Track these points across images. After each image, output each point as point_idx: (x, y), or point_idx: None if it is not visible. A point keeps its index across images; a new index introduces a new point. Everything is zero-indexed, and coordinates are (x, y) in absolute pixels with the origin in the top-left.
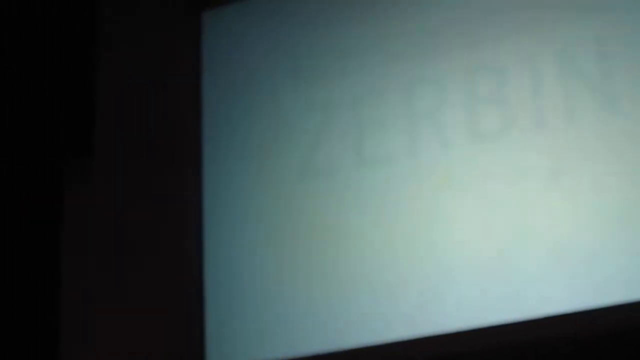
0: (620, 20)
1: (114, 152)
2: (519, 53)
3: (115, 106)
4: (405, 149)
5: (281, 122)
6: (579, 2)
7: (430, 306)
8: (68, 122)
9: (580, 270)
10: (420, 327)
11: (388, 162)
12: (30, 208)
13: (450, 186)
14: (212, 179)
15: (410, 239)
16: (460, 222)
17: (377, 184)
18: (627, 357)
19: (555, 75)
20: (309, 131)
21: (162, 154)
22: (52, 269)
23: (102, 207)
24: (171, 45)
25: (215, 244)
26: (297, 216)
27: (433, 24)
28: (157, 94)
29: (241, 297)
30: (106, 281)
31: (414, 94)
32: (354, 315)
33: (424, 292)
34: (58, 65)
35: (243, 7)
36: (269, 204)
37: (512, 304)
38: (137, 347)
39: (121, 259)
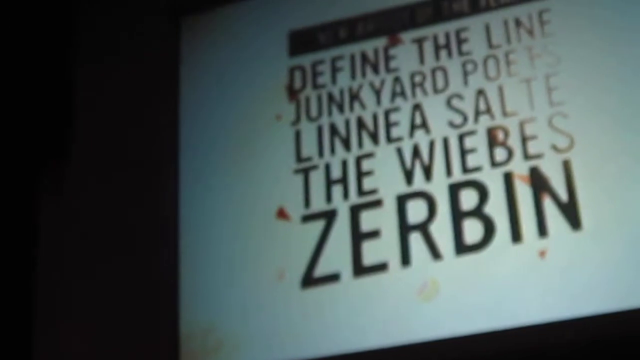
0: None
1: (90, 157)
2: None
3: (93, 111)
4: None
5: (259, 127)
6: None
7: (406, 315)
8: (44, 126)
9: (555, 281)
10: (396, 336)
11: None
12: (5, 212)
13: None
14: (188, 184)
15: None
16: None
17: None
18: None
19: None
20: (286, 138)
21: (139, 159)
22: (27, 273)
23: (77, 211)
24: (149, 50)
25: (191, 250)
26: (275, 224)
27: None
28: (134, 99)
29: (217, 304)
30: (81, 287)
31: None
32: (329, 323)
33: (400, 300)
34: (34, 69)
35: (222, 14)
36: (247, 209)
37: (488, 314)
38: (110, 353)
39: (96, 264)
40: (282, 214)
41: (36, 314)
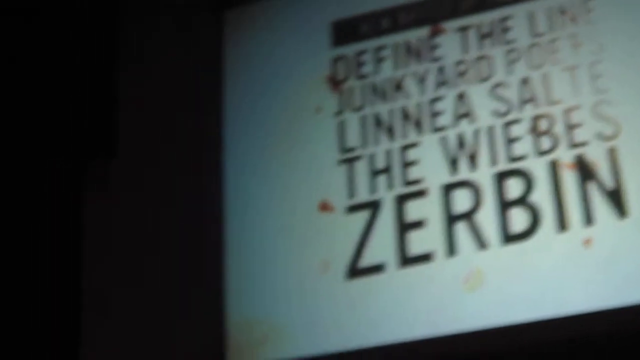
0: None
1: (135, 153)
2: None
3: (137, 107)
4: None
5: (302, 119)
6: None
7: (451, 305)
8: (90, 124)
9: (600, 270)
10: (441, 326)
11: None
12: (51, 209)
13: None
14: (233, 178)
15: None
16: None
17: None
18: None
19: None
20: (330, 129)
21: (183, 154)
22: (73, 269)
23: (122, 207)
24: (193, 44)
25: (236, 243)
26: (319, 215)
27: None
28: (178, 94)
29: (262, 297)
30: (126, 282)
31: None
32: (375, 314)
33: (446, 290)
34: (80, 66)
35: (265, 6)
36: (291, 201)
37: (533, 304)
38: (156, 347)
39: (141, 259)
40: (326, 205)
41: (82, 308)
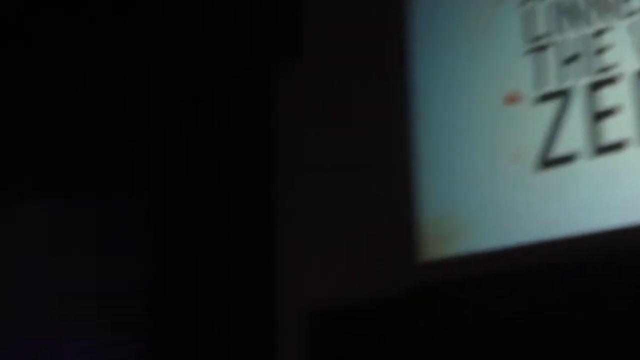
0: None
1: (320, 52)
2: None
3: (323, 6)
4: None
5: (487, 9)
6: None
7: None
8: (278, 23)
9: None
10: (638, 215)
11: None
12: (243, 105)
13: None
14: (419, 72)
15: None
16: None
17: None
18: None
19: None
20: (515, 19)
21: (367, 49)
22: (265, 158)
23: (310, 106)
24: None
25: (425, 137)
26: (508, 106)
27: None
28: None
29: (452, 190)
30: (318, 178)
31: None
32: (569, 204)
33: None
34: None
35: None
36: (479, 93)
37: None
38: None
39: (332, 158)
40: (514, 96)
41: (276, 198)
